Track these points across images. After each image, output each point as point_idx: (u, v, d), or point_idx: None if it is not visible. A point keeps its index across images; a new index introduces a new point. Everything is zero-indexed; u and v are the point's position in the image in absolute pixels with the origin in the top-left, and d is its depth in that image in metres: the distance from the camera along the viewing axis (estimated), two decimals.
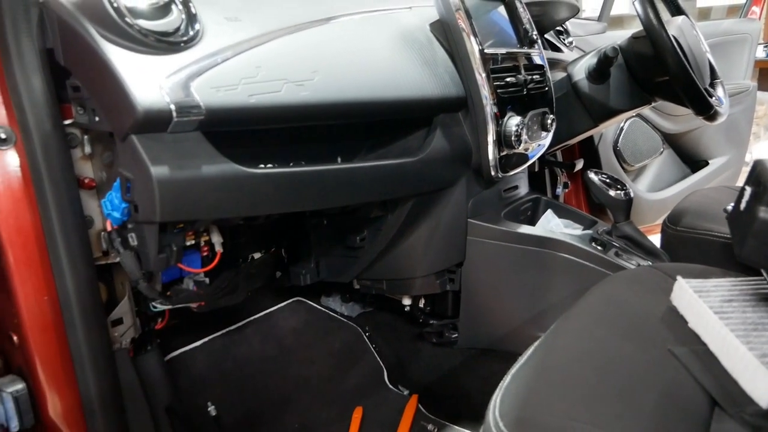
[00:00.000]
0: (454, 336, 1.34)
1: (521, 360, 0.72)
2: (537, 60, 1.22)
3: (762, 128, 4.49)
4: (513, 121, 1.08)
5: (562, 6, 1.52)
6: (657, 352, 0.72)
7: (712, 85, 1.36)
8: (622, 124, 2.00)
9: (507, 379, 0.68)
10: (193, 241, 0.93)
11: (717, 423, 0.63)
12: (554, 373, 0.67)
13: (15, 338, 0.80)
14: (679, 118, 2.15)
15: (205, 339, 1.31)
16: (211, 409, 1.19)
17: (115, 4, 0.69)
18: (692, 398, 0.65)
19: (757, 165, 0.72)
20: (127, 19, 0.69)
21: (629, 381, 0.65)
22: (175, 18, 0.73)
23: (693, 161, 2.38)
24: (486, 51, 1.05)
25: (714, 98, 1.26)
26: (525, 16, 1.22)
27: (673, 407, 0.63)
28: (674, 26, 1.25)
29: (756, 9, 2.56)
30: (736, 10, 2.66)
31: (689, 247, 1.16)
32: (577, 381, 0.65)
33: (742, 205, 0.73)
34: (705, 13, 5.08)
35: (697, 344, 0.74)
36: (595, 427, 0.58)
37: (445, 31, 1.06)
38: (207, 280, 1.03)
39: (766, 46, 4.80)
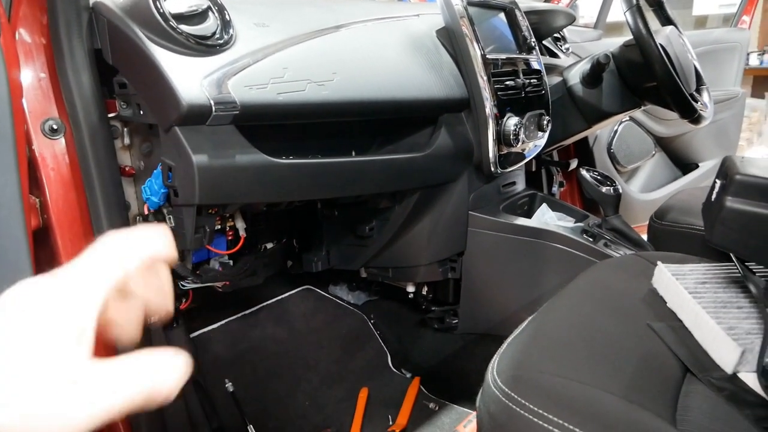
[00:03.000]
0: (454, 322, 1.42)
1: (516, 331, 0.81)
2: (534, 65, 1.31)
3: (755, 134, 4.59)
4: (512, 121, 1.17)
5: (559, 14, 1.61)
6: (637, 326, 0.80)
7: (698, 90, 1.44)
8: (615, 127, 2.09)
9: (504, 345, 0.77)
10: (219, 226, 1.02)
11: (687, 385, 0.72)
12: (545, 340, 0.75)
13: None
14: (671, 123, 2.24)
15: (223, 321, 1.39)
16: (229, 386, 1.27)
17: (161, 10, 0.78)
18: (667, 365, 0.74)
19: (725, 160, 0.81)
20: (171, 23, 0.77)
21: (611, 349, 0.74)
22: (212, 23, 0.82)
23: (684, 164, 2.47)
24: (488, 56, 1.14)
25: (699, 103, 1.34)
26: (524, 23, 1.31)
27: (649, 371, 0.72)
28: (662, 35, 1.34)
29: (746, 18, 2.65)
30: (731, 19, 2.75)
31: (672, 239, 1.25)
32: (565, 347, 0.73)
33: (713, 196, 0.82)
34: (701, 22, 5.17)
35: (673, 320, 0.83)
36: (579, 383, 0.66)
37: (450, 37, 1.15)
38: (231, 262, 1.12)
39: (760, 54, 4.91)
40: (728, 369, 0.73)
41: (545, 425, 0.61)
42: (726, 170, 0.79)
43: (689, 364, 0.74)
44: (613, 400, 0.64)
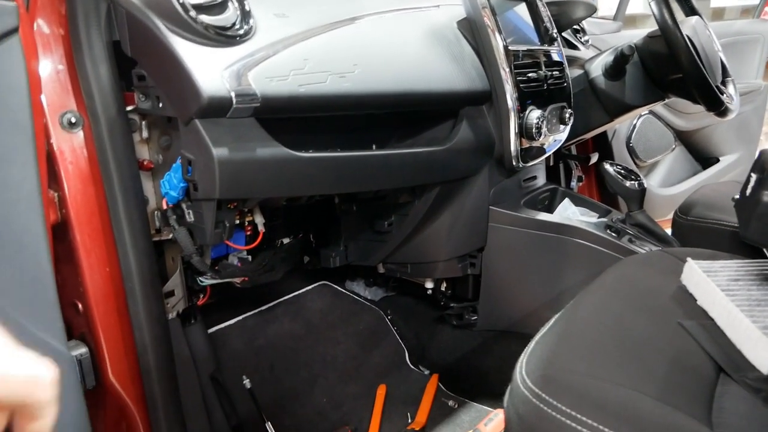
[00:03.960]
0: (473, 318, 1.40)
1: (543, 329, 0.79)
2: (556, 57, 1.28)
3: None
4: (534, 114, 1.15)
5: (579, 5, 1.58)
6: (668, 325, 0.78)
7: (724, 82, 1.41)
8: (635, 121, 2.05)
9: (531, 344, 0.75)
10: (238, 221, 1.01)
11: (722, 386, 0.70)
12: (574, 339, 0.73)
13: (80, 306, 0.87)
14: (691, 116, 2.19)
15: (240, 317, 1.38)
16: (246, 382, 1.26)
17: (180, 0, 0.76)
18: (700, 365, 0.72)
19: (762, 154, 0.78)
20: (191, 14, 0.76)
21: (643, 348, 0.72)
22: (231, 14, 0.80)
23: (704, 158, 2.42)
24: (510, 47, 1.12)
25: (725, 95, 1.31)
26: (545, 14, 1.28)
27: (682, 371, 0.69)
28: (688, 26, 1.31)
29: None
30: (750, 11, 2.69)
31: (698, 235, 1.22)
32: (595, 346, 0.71)
33: (748, 191, 0.79)
34: (719, 14, 5.10)
35: (705, 319, 0.81)
36: (611, 384, 0.64)
37: (471, 28, 1.13)
38: (249, 258, 1.11)
39: None
40: (765, 369, 0.70)
41: (578, 427, 0.59)
42: (763, 164, 0.76)
43: (723, 364, 0.72)
44: (647, 402, 0.62)
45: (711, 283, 0.82)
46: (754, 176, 0.79)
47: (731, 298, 0.79)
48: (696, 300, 0.84)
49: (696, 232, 1.23)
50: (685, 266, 0.88)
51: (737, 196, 0.87)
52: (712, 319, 0.80)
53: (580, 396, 0.63)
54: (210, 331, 1.30)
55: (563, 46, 1.53)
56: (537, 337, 0.76)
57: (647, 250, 1.16)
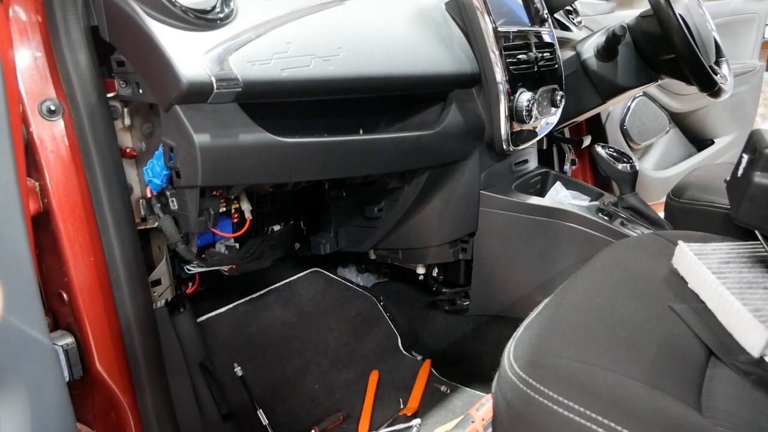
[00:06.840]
0: (465, 303, 1.40)
1: (532, 314, 0.78)
2: (547, 38, 1.26)
3: None
4: (524, 97, 1.13)
5: None
6: (658, 308, 0.77)
7: (718, 63, 1.39)
8: (629, 103, 2.04)
9: (520, 329, 0.74)
10: (224, 209, 0.99)
11: (712, 369, 0.69)
12: (563, 323, 0.72)
13: (65, 296, 0.86)
14: (686, 97, 2.18)
15: (230, 305, 1.37)
16: (238, 370, 1.26)
17: None
18: (690, 348, 0.71)
19: (753, 134, 0.77)
20: None
21: (632, 332, 0.71)
22: None
23: (699, 140, 2.41)
24: (499, 29, 1.10)
25: (719, 75, 1.30)
26: None
27: (671, 355, 0.69)
28: (681, 5, 1.28)
29: None
30: None
31: (691, 218, 1.21)
32: (584, 330, 0.71)
33: (740, 172, 0.78)
34: None
35: (696, 302, 0.80)
36: (600, 369, 0.64)
37: (459, 10, 1.11)
38: (237, 245, 1.10)
39: None
40: (755, 352, 0.69)
41: (565, 413, 0.58)
42: (754, 144, 0.75)
43: (713, 348, 0.71)
44: (636, 386, 0.61)
45: (702, 265, 0.81)
46: (745, 157, 0.78)
47: (722, 280, 0.78)
48: (687, 283, 0.83)
49: (689, 215, 1.22)
50: (676, 249, 0.88)
51: (729, 178, 0.86)
52: (703, 302, 0.79)
53: (567, 381, 0.62)
54: (200, 319, 1.29)
55: (555, 27, 1.51)
56: (525, 322, 0.76)
57: (639, 233, 1.15)
